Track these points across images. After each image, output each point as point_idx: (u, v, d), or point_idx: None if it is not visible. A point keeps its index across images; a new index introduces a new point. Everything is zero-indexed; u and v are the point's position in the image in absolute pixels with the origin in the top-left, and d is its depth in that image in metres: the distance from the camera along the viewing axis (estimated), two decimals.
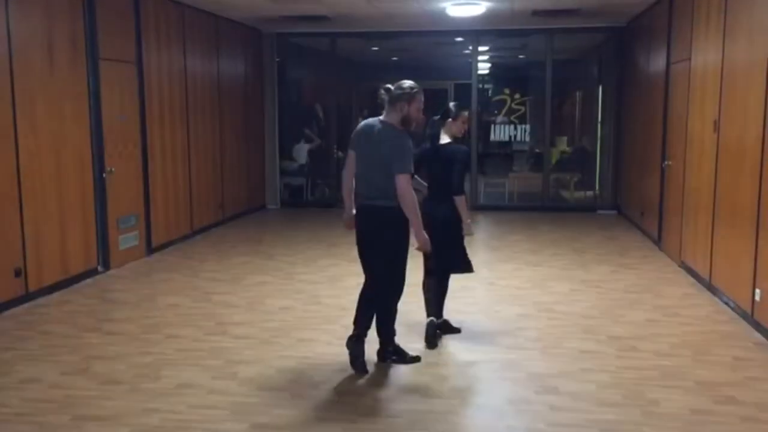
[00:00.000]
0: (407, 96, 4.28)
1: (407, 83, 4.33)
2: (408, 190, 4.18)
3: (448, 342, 4.97)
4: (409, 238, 4.34)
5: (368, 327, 4.48)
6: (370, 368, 4.46)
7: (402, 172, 4.17)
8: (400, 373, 4.46)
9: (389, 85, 4.34)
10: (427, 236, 4.33)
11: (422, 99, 4.36)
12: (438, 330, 5.00)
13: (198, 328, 5.36)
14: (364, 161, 4.36)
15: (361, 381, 4.32)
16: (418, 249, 4.40)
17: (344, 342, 4.47)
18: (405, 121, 4.32)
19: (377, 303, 4.47)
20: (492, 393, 4.19)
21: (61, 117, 6.45)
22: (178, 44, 8.65)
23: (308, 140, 12.54)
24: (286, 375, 4.43)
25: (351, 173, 4.48)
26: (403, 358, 4.57)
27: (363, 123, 4.47)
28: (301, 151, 12.37)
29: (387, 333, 4.55)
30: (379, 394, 4.14)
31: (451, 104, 4.95)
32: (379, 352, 4.58)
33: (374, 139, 4.32)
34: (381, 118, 4.37)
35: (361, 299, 4.50)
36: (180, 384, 4.27)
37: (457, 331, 5.15)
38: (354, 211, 4.47)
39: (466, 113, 4.94)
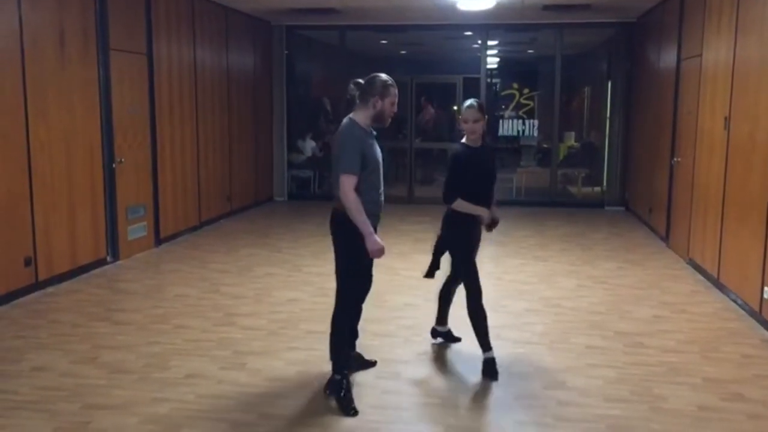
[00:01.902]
0: (380, 90, 3.90)
1: (381, 76, 3.97)
2: (350, 192, 3.76)
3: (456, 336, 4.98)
4: (361, 247, 3.86)
5: (356, 336, 4.37)
6: (389, 369, 4.46)
7: (344, 171, 3.79)
8: (408, 366, 4.47)
9: (359, 80, 4.01)
10: (379, 245, 3.83)
11: (396, 93, 3.98)
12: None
13: (206, 319, 5.38)
14: (332, 163, 4.02)
15: (369, 374, 4.33)
16: (370, 257, 3.92)
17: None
18: (378, 117, 3.94)
19: (333, 319, 4.10)
20: (499, 387, 4.20)
21: (71, 107, 6.48)
22: (188, 35, 8.66)
23: (316, 137, 12.55)
24: (294, 366, 4.45)
25: None
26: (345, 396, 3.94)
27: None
28: (307, 146, 12.38)
29: (338, 358, 4.04)
30: (387, 387, 4.16)
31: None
32: (330, 382, 4.02)
33: (336, 138, 4.00)
34: (351, 115, 4.00)
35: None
36: (188, 374, 4.30)
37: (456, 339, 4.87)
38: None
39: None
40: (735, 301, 5.85)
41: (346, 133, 3.91)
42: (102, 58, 6.92)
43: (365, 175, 3.87)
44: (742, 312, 5.62)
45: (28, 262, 5.96)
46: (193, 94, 8.84)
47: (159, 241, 8.07)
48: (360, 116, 3.96)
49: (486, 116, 4.36)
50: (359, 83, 4.01)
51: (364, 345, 4.48)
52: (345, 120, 4.01)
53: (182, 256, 7.57)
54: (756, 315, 5.38)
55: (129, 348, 4.75)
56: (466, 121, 4.31)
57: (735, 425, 3.69)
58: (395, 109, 4.02)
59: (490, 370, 4.30)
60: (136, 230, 7.60)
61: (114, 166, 7.14)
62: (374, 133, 4.05)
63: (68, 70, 6.41)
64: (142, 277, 6.68)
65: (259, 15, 10.72)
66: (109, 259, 7.15)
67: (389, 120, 4.02)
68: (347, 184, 3.79)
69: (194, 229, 8.92)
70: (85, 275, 6.65)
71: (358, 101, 3.99)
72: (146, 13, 7.69)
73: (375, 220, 3.98)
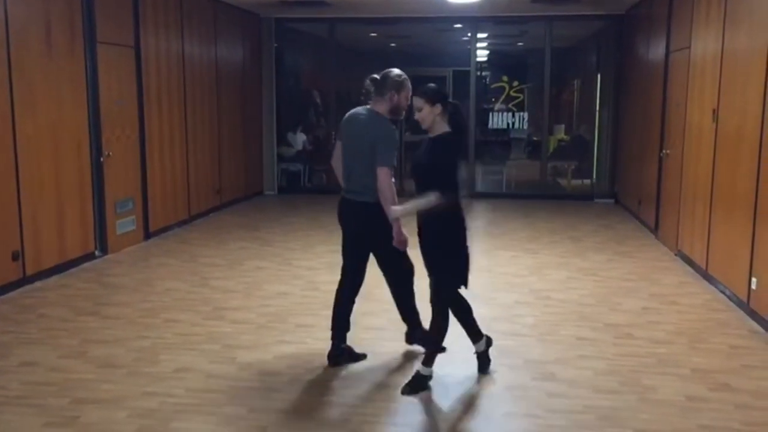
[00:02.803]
0: (397, 84, 4.15)
1: (395, 71, 4.21)
2: (388, 184, 4.00)
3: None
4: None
5: (347, 329, 4.40)
6: (380, 362, 4.47)
7: (383, 164, 4.01)
8: (397, 359, 4.48)
9: (375, 75, 4.21)
10: (405, 237, 4.06)
11: (410, 87, 4.20)
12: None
13: (196, 313, 5.37)
14: (348, 152, 4.25)
15: (359, 366, 4.33)
16: (396, 246, 4.10)
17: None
18: (395, 110, 4.19)
19: (398, 289, 4.45)
20: (489, 379, 4.21)
21: (58, 101, 6.43)
22: (176, 28, 8.60)
23: (306, 130, 12.52)
24: (284, 360, 4.45)
25: (339, 163, 4.37)
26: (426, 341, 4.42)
27: (350, 112, 4.35)
28: (298, 139, 12.35)
29: (412, 316, 4.53)
30: (377, 380, 4.16)
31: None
32: (408, 335, 4.59)
33: (359, 128, 4.19)
34: (368, 107, 4.25)
35: (338, 299, 4.39)
36: (178, 368, 4.29)
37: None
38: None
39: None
40: (723, 293, 5.88)
41: (382, 127, 4.13)
42: (89, 51, 6.86)
43: None
44: (731, 303, 5.66)
45: (15, 257, 5.91)
46: (181, 87, 8.79)
47: (148, 234, 8.03)
48: (379, 109, 4.19)
49: (439, 104, 3.91)
50: (375, 78, 4.21)
51: (354, 338, 4.48)
52: (366, 111, 4.22)
53: (171, 250, 7.54)
54: (744, 306, 5.41)
55: (118, 342, 4.73)
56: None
57: (723, 415, 3.72)
58: (409, 102, 4.19)
59: (480, 361, 4.31)
60: (124, 224, 7.56)
61: (102, 159, 7.09)
62: None
63: (55, 64, 6.36)
64: (131, 271, 6.64)
65: (247, 7, 10.66)
66: (97, 253, 7.11)
67: (404, 113, 4.25)
68: (387, 176, 4.02)
69: (184, 222, 8.88)
70: (73, 269, 6.61)
71: (374, 95, 4.21)
72: (134, 6, 7.63)
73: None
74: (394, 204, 4.00)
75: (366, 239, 4.30)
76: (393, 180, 4.10)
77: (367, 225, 4.21)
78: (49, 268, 6.32)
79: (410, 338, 4.60)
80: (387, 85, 4.16)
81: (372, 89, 4.22)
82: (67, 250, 6.60)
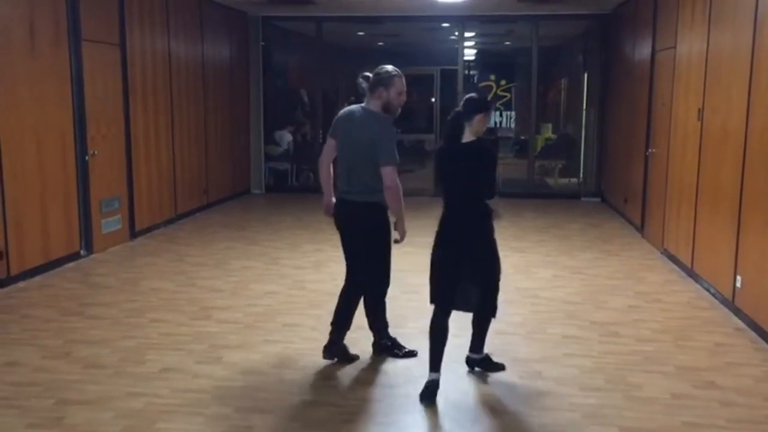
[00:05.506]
0: (385, 80, 4.10)
1: (385, 68, 4.15)
2: (396, 182, 4.02)
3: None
4: (389, 230, 4.21)
5: (347, 328, 4.38)
6: (365, 361, 4.45)
7: (389, 163, 4.00)
8: (384, 358, 4.46)
9: (368, 73, 4.19)
10: (405, 229, 4.18)
11: (403, 83, 4.14)
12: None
13: (182, 313, 5.34)
14: (345, 151, 4.21)
15: (345, 366, 4.32)
16: (396, 241, 4.21)
17: (329, 327, 4.44)
18: (387, 107, 4.13)
19: (369, 297, 4.38)
20: (475, 378, 4.21)
21: (43, 99, 6.37)
22: (162, 26, 8.55)
23: (295, 129, 12.48)
24: (271, 359, 4.43)
25: (329, 161, 4.36)
26: (400, 350, 4.48)
27: (344, 110, 4.32)
28: (285, 137, 12.31)
29: (380, 325, 4.46)
30: (362, 379, 4.15)
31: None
32: (375, 345, 4.48)
33: (356, 126, 4.16)
34: (363, 105, 4.22)
35: (342, 297, 4.37)
36: (164, 368, 4.26)
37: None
38: (333, 200, 4.35)
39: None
40: (708, 290, 5.92)
41: (379, 124, 4.10)
42: (74, 49, 6.80)
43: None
44: (715, 301, 5.70)
45: None
46: (167, 85, 8.74)
47: (134, 234, 7.98)
48: (372, 107, 4.15)
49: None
50: (367, 76, 4.18)
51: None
52: (362, 110, 4.19)
53: (158, 250, 7.49)
54: (728, 304, 5.45)
55: (103, 342, 4.69)
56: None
57: (707, 412, 3.74)
58: (403, 98, 4.17)
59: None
60: (110, 223, 7.51)
61: (87, 158, 7.04)
62: None
63: (39, 62, 6.30)
64: (117, 271, 6.60)
65: (234, 5, 10.62)
66: (82, 252, 7.05)
67: (398, 110, 4.18)
68: (394, 174, 4.03)
69: (170, 222, 8.83)
70: (58, 269, 6.55)
71: (367, 93, 4.16)
72: (119, 3, 7.58)
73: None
74: (401, 201, 4.08)
75: (362, 237, 4.24)
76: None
77: (366, 224, 4.18)
78: (33, 267, 6.27)
79: (378, 347, 4.51)
80: (376, 82, 4.12)
81: (365, 87, 4.18)
82: (52, 249, 6.55)
